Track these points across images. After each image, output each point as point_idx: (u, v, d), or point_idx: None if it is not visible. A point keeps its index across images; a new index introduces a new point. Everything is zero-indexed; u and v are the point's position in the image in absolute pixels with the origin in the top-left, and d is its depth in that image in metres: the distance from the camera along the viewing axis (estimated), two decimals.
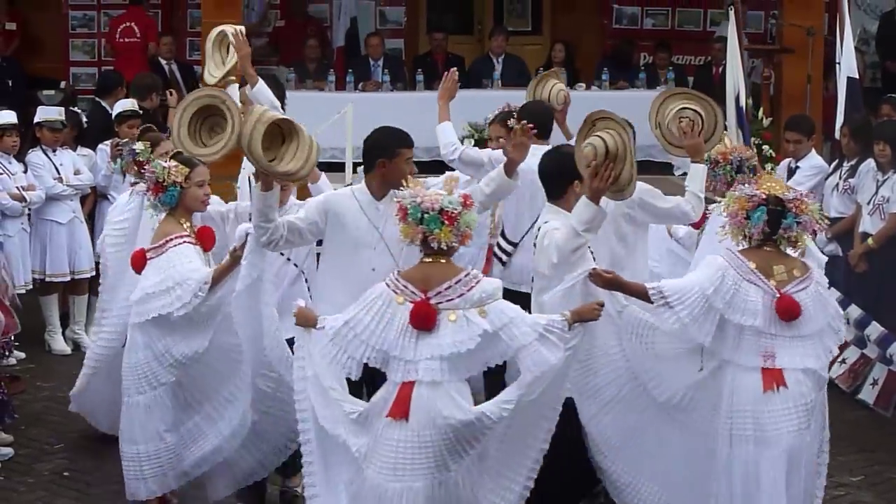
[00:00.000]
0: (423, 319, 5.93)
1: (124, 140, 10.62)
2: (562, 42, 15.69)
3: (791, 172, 10.58)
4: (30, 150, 11.00)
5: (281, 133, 6.70)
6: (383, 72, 14.57)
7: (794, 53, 13.10)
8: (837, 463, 7.82)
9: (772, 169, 11.39)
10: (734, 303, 6.26)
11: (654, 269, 8.08)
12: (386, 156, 6.91)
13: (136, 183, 8.51)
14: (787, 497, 6.21)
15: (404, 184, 6.23)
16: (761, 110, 12.79)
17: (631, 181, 6.67)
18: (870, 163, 10.23)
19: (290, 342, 6.64)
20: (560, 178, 6.94)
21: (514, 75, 15.07)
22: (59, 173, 10.88)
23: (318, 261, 7.34)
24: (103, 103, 12.09)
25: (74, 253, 10.82)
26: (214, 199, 7.70)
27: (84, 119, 11.86)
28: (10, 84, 14.72)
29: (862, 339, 9.56)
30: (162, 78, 13.60)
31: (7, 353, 8.85)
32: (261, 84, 8.31)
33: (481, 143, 13.08)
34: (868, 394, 9.55)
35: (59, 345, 10.86)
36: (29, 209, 10.69)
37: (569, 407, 6.44)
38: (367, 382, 6.45)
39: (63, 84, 15.09)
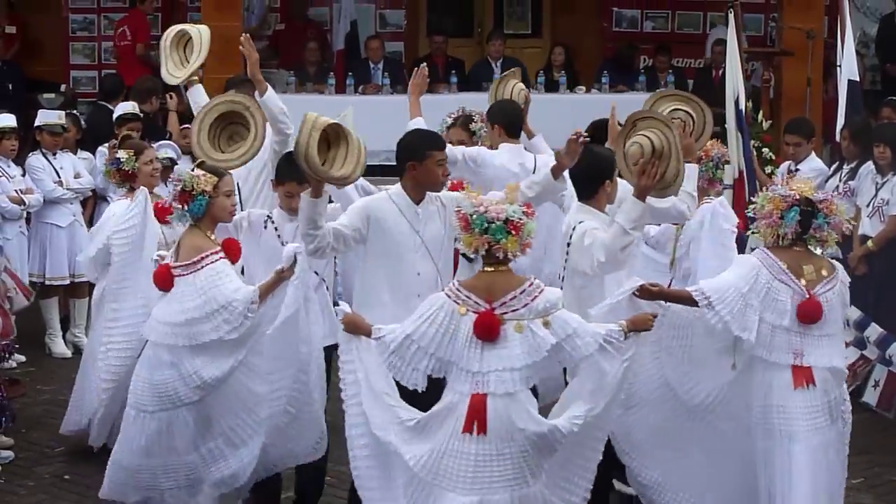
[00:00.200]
0: (488, 330, 5.92)
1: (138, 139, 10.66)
2: (561, 45, 15.71)
3: (791, 175, 10.57)
4: (30, 154, 11.01)
5: (327, 138, 6.67)
6: (383, 75, 14.57)
7: (794, 56, 13.11)
8: None
9: (772, 172, 11.42)
10: (766, 301, 6.42)
11: None
12: (416, 158, 6.92)
13: (132, 190, 8.33)
14: (816, 490, 6.36)
15: (439, 187, 6.41)
16: (761, 113, 12.79)
17: (676, 178, 6.88)
18: (869, 165, 10.24)
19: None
20: (592, 179, 6.98)
21: None
22: (59, 177, 10.89)
23: (333, 266, 7.32)
24: (109, 106, 12.07)
25: (74, 256, 10.80)
26: None
27: (82, 122, 11.87)
28: (10, 87, 14.72)
29: (861, 340, 9.57)
30: (161, 81, 13.57)
31: (7, 357, 8.84)
32: (270, 92, 8.31)
33: None
34: (870, 396, 9.56)
35: (60, 348, 10.87)
36: (27, 212, 10.70)
37: None
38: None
39: (63, 87, 15.09)
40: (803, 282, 6.45)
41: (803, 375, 6.40)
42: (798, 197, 6.46)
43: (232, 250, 7.07)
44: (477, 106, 12.33)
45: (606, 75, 14.51)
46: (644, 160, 6.74)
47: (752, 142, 11.63)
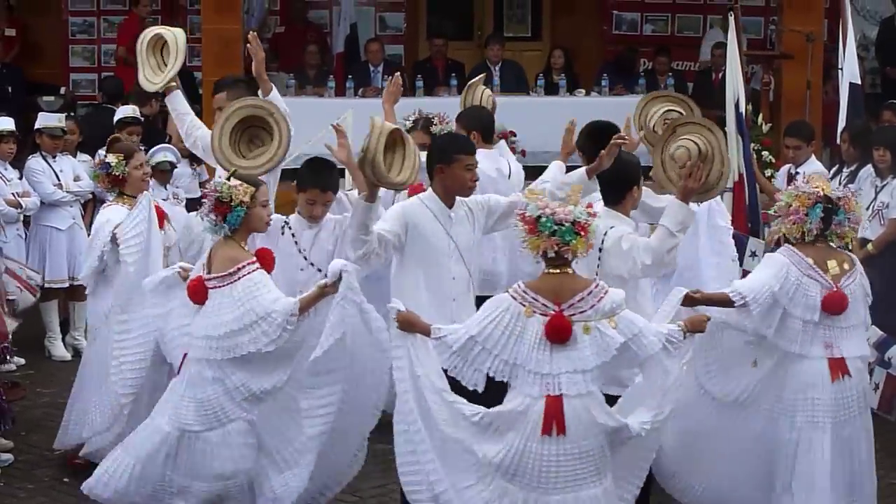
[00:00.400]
0: (561, 332, 5.92)
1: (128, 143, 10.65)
2: (561, 48, 15.72)
3: (791, 178, 10.54)
4: (30, 157, 11.01)
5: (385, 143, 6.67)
6: (383, 78, 14.56)
7: (794, 59, 13.11)
8: None
9: (771, 175, 11.42)
10: (796, 298, 6.65)
11: None
12: (444, 161, 6.94)
13: (122, 195, 8.13)
14: (848, 480, 6.69)
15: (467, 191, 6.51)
16: (761, 116, 12.79)
17: (719, 181, 7.12)
18: (869, 168, 10.24)
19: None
20: (620, 184, 7.04)
21: (513, 81, 15.10)
22: (58, 179, 10.89)
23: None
24: (113, 108, 12.06)
25: (74, 259, 10.80)
26: None
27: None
28: (10, 90, 14.74)
29: None
30: None
31: (7, 359, 8.84)
32: (274, 91, 8.30)
33: None
34: (871, 399, 9.54)
35: (59, 351, 10.87)
36: (24, 215, 10.70)
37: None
38: None
39: (63, 90, 15.11)
40: (829, 276, 6.70)
41: (839, 367, 6.69)
42: (821, 194, 6.70)
43: (266, 260, 6.84)
44: None
45: (606, 78, 14.52)
46: (692, 163, 6.90)
47: (753, 145, 11.63)
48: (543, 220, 5.91)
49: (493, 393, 6.08)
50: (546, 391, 5.90)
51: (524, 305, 5.96)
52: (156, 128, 12.29)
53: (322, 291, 6.64)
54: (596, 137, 7.50)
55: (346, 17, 16.35)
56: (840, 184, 10.43)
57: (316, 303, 6.67)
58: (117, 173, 8.11)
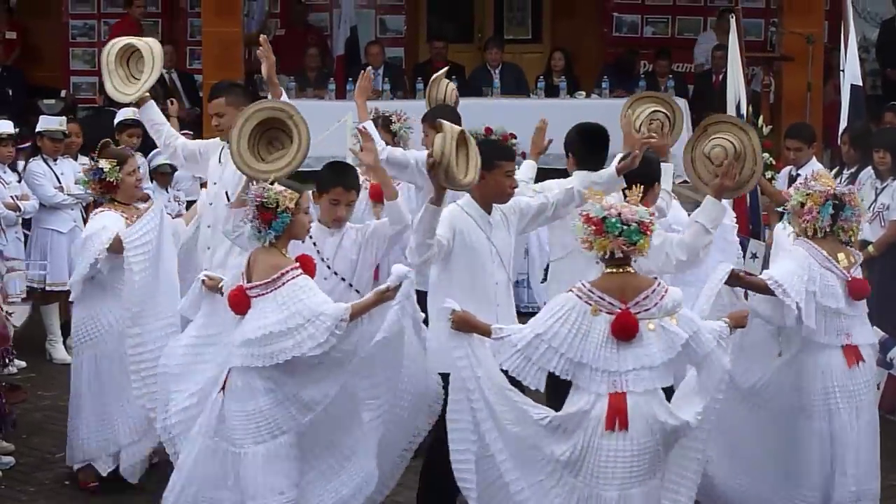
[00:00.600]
0: (629, 329, 6.00)
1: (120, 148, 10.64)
2: (561, 50, 15.72)
3: (792, 180, 10.55)
4: (30, 159, 11.01)
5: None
6: (383, 80, 14.58)
7: (794, 61, 13.12)
8: None
9: (773, 177, 11.42)
10: (822, 288, 6.98)
11: None
12: (485, 167, 6.87)
13: (112, 201, 7.95)
14: (871, 461, 7.04)
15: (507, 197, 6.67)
16: (761, 118, 12.79)
17: (750, 179, 7.32)
18: (869, 170, 10.23)
19: None
20: (644, 181, 7.05)
21: (513, 84, 15.11)
22: (59, 182, 10.89)
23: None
24: (115, 110, 12.05)
25: (75, 262, 10.79)
26: None
27: None
28: (11, 93, 14.73)
29: None
30: (162, 87, 13.60)
31: (7, 362, 8.83)
32: (284, 95, 8.25)
33: None
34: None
35: (60, 354, 10.87)
36: (22, 219, 10.70)
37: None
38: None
39: (63, 93, 15.10)
40: (841, 267, 7.05)
41: (854, 354, 7.03)
42: (831, 192, 7.04)
43: (308, 267, 6.63)
44: (478, 112, 12.40)
45: (606, 80, 14.53)
46: (728, 162, 7.10)
47: None
48: (611, 220, 5.99)
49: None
50: (612, 388, 5.99)
51: (590, 304, 6.04)
52: None
53: (380, 297, 6.45)
54: (587, 139, 7.60)
55: (346, 19, 16.35)
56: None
57: (371, 308, 6.47)
58: (111, 179, 7.91)
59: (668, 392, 6.24)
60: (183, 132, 11.46)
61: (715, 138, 7.26)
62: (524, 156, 12.98)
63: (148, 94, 8.37)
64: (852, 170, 10.47)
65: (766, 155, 12.32)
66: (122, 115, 11.29)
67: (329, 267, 7.18)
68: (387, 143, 8.49)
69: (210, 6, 13.60)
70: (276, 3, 16.76)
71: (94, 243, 7.81)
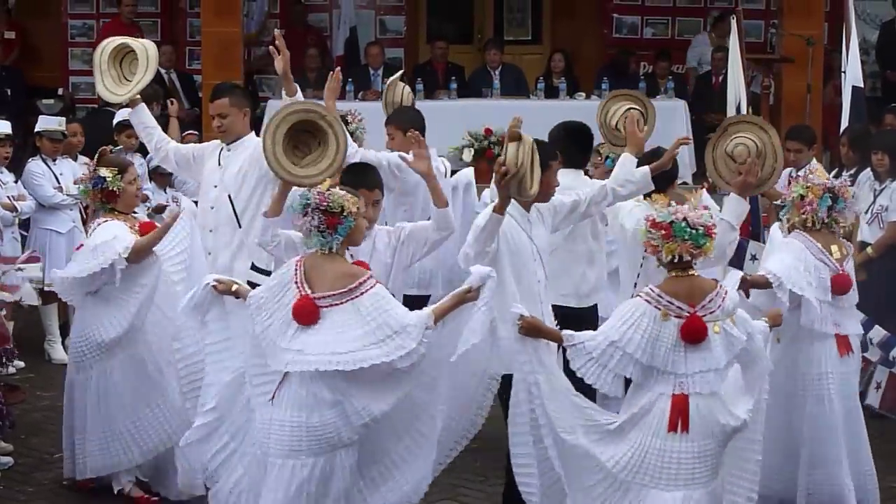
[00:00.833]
0: (698, 333, 6.09)
1: (118, 148, 10.64)
2: (561, 51, 15.73)
3: (791, 182, 10.56)
4: (29, 160, 11.00)
5: None
6: (383, 81, 14.54)
7: (794, 63, 13.12)
8: None
9: None
10: (815, 279, 7.25)
11: None
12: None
13: (112, 210, 7.75)
14: (860, 447, 7.42)
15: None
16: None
17: (771, 176, 7.59)
18: (868, 172, 10.24)
19: None
20: (667, 178, 7.47)
21: (513, 85, 15.10)
22: (58, 182, 10.88)
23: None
24: (113, 111, 12.04)
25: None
26: None
27: None
28: (9, 93, 14.73)
29: (864, 342, 9.56)
30: (162, 87, 13.59)
31: (6, 362, 8.82)
32: (299, 93, 8.23)
33: (481, 152, 13.14)
34: (873, 398, 9.56)
35: (59, 354, 10.86)
36: (19, 219, 10.69)
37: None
38: None
39: (61, 91, 15.10)
40: (834, 259, 7.31)
41: (844, 344, 7.35)
42: (827, 185, 7.34)
43: None
44: (478, 113, 12.40)
45: (606, 81, 14.51)
46: (751, 160, 7.34)
47: None
48: (680, 225, 6.08)
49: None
50: (677, 390, 6.07)
51: (659, 309, 6.11)
52: None
53: (462, 298, 6.22)
54: (575, 138, 7.74)
55: (346, 20, 16.35)
56: None
57: (452, 310, 6.23)
58: (113, 188, 7.71)
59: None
60: (188, 133, 11.50)
61: (737, 137, 7.51)
62: None
63: (139, 96, 8.31)
64: (851, 171, 10.46)
65: None
66: (120, 115, 11.25)
67: None
68: None
69: (209, 6, 13.59)
70: (276, 4, 16.75)
71: (106, 251, 7.53)
